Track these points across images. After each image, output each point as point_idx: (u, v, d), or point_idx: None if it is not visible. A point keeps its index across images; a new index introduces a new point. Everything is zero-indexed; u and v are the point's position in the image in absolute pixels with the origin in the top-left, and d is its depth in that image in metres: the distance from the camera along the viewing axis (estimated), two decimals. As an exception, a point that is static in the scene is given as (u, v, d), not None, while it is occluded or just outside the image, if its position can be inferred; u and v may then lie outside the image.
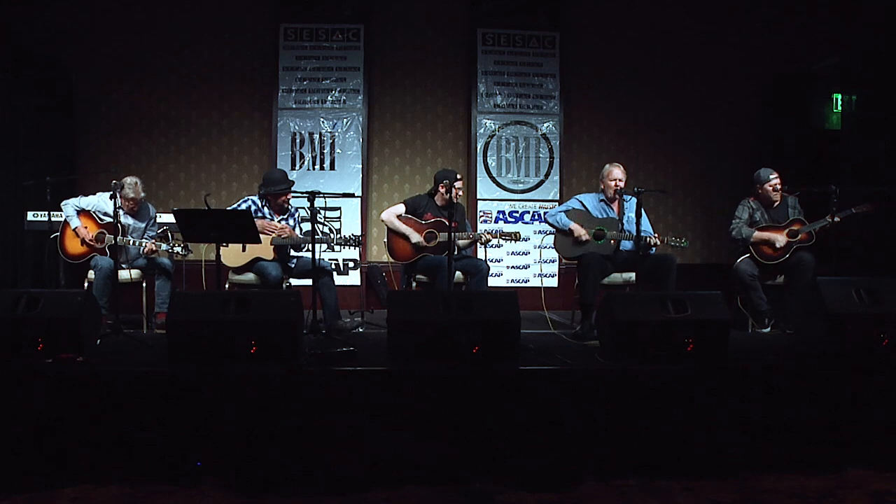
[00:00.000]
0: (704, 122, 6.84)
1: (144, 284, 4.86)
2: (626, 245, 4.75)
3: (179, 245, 4.57)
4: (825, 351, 3.60)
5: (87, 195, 4.86)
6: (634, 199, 4.20)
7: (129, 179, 4.76)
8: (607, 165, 4.89)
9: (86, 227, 4.70)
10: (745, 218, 4.88)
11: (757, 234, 4.77)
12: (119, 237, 4.42)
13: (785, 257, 4.71)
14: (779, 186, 4.82)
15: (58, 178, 4.94)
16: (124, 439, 3.04)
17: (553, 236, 4.86)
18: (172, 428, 3.06)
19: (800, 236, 4.70)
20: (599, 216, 4.81)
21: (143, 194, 4.86)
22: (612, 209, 4.86)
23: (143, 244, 4.66)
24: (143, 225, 4.91)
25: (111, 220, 4.64)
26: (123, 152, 6.41)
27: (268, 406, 3.12)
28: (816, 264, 4.62)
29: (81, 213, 4.74)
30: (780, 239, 4.72)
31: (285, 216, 4.85)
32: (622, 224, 4.75)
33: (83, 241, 4.69)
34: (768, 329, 4.70)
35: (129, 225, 4.82)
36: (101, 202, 4.79)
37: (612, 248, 4.69)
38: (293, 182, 4.90)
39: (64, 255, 4.76)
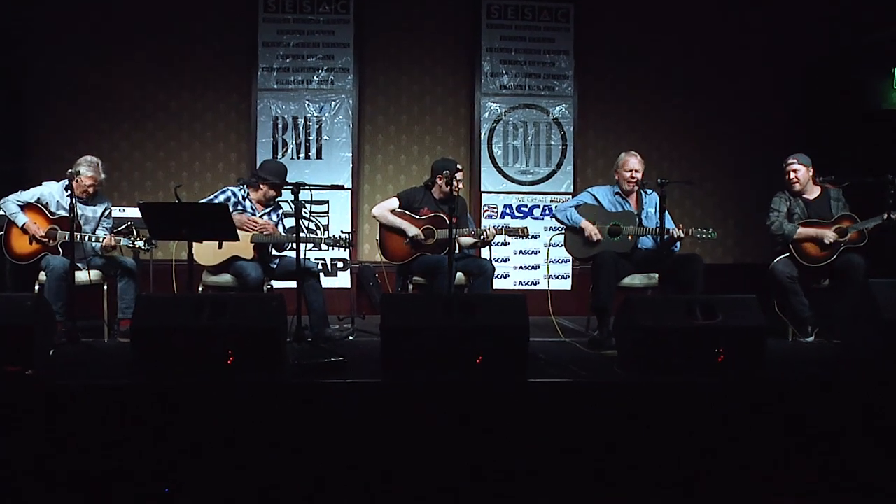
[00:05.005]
0: (738, 104, 6.78)
1: (105, 287, 4.80)
2: (646, 242, 4.73)
3: (142, 239, 4.53)
4: (878, 362, 3.58)
5: (27, 188, 4.76)
6: (655, 194, 4.18)
7: (88, 158, 4.72)
8: (623, 154, 4.88)
9: (35, 223, 4.61)
10: (783, 211, 4.83)
11: (802, 231, 4.71)
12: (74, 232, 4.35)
13: (831, 259, 4.65)
14: (800, 174, 4.76)
15: (0, 167, 4.85)
16: (81, 463, 3.00)
17: (563, 235, 4.86)
18: (137, 450, 3.04)
19: (849, 235, 4.64)
20: (615, 211, 4.79)
21: (103, 176, 4.80)
22: (629, 202, 4.84)
23: (101, 237, 4.61)
24: (98, 215, 4.85)
25: (64, 213, 4.61)
26: (81, 138, 6.33)
27: (246, 423, 3.11)
28: (868, 268, 4.53)
29: (27, 207, 4.65)
30: (829, 235, 4.65)
31: (268, 210, 4.83)
32: (640, 219, 4.73)
33: (32, 239, 4.61)
34: (811, 338, 4.68)
35: (81, 215, 4.72)
36: (48, 192, 4.73)
37: (629, 245, 4.68)
38: (286, 183, 4.69)
39: (10, 256, 4.66)
